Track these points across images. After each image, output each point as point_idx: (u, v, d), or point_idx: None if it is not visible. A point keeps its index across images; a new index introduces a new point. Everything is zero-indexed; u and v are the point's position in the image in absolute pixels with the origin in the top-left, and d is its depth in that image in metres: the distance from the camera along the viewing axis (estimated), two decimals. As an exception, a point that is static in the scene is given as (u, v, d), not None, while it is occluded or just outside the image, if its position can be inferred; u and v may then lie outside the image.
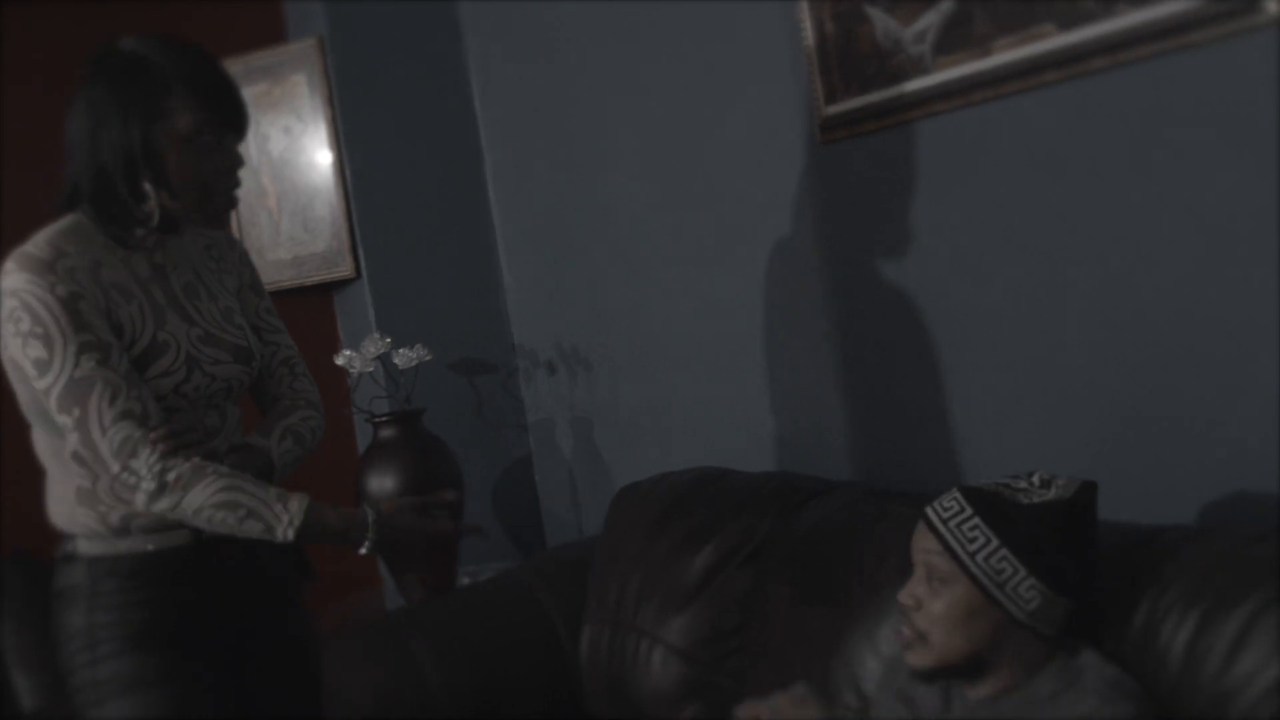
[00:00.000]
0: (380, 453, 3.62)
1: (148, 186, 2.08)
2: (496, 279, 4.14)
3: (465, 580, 3.65)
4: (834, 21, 2.70)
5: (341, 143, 4.00)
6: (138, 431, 2.02)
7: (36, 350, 2.01)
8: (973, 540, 1.92)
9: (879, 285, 2.77)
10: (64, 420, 2.04)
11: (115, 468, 2.04)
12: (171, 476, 2.03)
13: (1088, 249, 2.33)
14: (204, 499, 2.03)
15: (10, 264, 2.04)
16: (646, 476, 3.21)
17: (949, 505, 1.97)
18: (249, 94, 4.02)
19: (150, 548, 2.13)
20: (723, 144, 3.15)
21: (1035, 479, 1.97)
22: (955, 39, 2.46)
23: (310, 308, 4.18)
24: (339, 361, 3.64)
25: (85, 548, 2.14)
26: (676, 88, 3.27)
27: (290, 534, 2.06)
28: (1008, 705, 1.93)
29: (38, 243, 2.07)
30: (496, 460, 4.10)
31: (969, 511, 1.94)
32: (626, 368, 3.66)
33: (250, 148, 4.10)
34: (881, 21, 2.59)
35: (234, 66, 4.07)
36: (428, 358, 3.63)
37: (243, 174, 2.12)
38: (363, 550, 2.14)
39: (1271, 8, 1.94)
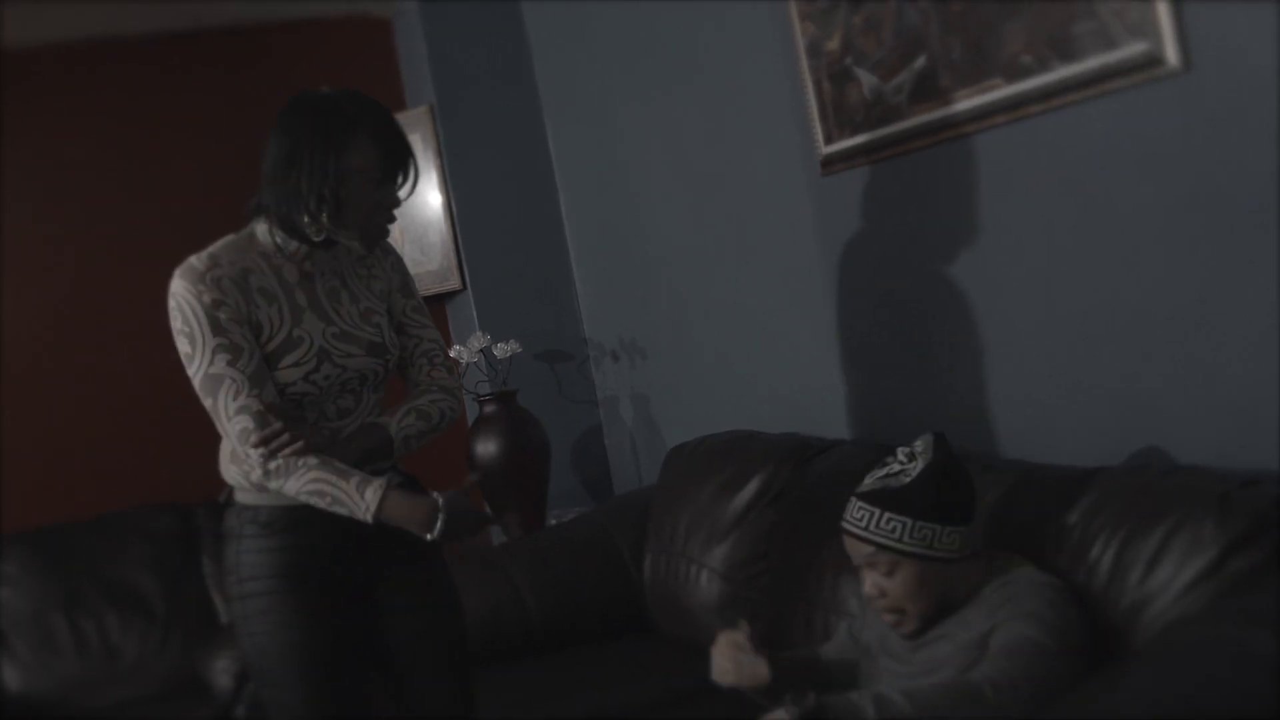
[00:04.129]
0: (485, 424, 3.66)
1: (325, 209, 1.98)
2: (570, 288, 4.15)
3: (553, 521, 3.67)
4: (829, 80, 2.70)
5: (449, 186, 4.04)
6: (252, 423, 1.96)
7: (184, 346, 1.98)
8: (893, 530, 1.87)
9: (869, 285, 2.76)
10: (205, 403, 2.00)
11: (238, 448, 1.99)
12: (273, 465, 1.97)
13: (1029, 253, 2.31)
14: (298, 486, 1.97)
15: (177, 271, 1.99)
16: (691, 439, 3.21)
17: (860, 515, 1.91)
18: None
19: (283, 502, 2.04)
20: (743, 177, 3.14)
21: (901, 457, 1.92)
22: (925, 91, 2.45)
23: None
24: (451, 354, 3.67)
25: (239, 497, 2.08)
26: (705, 136, 3.27)
27: (369, 517, 1.97)
28: (967, 614, 1.88)
29: (200, 255, 2.00)
30: (574, 429, 4.11)
31: (877, 511, 1.88)
32: (673, 354, 3.66)
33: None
34: (867, 79, 2.59)
35: (365, 129, 4.12)
36: (519, 350, 3.66)
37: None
38: (429, 537, 1.99)
39: (1172, 61, 1.93)
